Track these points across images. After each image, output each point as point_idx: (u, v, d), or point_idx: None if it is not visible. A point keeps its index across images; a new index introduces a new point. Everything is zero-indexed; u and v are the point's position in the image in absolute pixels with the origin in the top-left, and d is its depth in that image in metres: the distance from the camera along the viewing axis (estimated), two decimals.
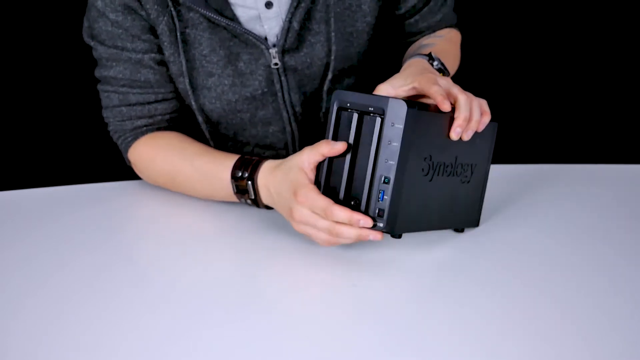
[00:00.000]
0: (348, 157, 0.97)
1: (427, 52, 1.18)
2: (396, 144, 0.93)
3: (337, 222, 0.95)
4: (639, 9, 2.13)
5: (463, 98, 0.98)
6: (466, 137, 0.99)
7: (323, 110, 1.24)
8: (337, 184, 0.98)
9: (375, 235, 0.95)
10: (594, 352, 0.85)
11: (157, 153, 1.20)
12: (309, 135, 1.26)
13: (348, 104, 0.97)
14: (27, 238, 1.13)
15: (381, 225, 0.95)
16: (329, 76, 1.20)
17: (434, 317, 0.91)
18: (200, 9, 1.11)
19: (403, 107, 0.92)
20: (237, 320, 0.92)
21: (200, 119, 1.22)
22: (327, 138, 0.98)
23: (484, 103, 1.01)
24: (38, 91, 2.00)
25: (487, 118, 1.00)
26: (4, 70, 1.97)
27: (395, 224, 0.95)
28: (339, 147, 0.96)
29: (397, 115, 0.93)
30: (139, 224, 1.19)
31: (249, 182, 1.06)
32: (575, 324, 0.89)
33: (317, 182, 0.99)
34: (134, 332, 0.90)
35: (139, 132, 1.22)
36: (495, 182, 1.19)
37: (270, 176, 1.05)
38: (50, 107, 2.00)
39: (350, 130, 0.96)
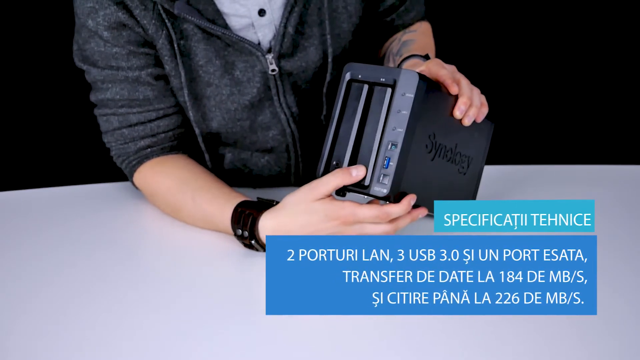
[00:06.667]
0: (355, 127, 0.99)
1: (416, 52, 1.22)
2: (405, 112, 0.96)
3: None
4: (639, 9, 2.13)
5: (466, 82, 1.04)
6: (467, 120, 1.03)
7: (324, 113, 1.23)
8: (342, 154, 0.99)
9: (422, 211, 1.01)
10: (593, 353, 0.85)
11: (161, 183, 1.17)
12: (310, 135, 1.26)
13: (359, 76, 1.00)
14: (30, 238, 1.13)
15: (384, 191, 0.96)
16: (328, 78, 1.20)
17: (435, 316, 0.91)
18: (195, 19, 1.10)
19: (415, 78, 0.96)
20: (240, 322, 0.92)
21: (197, 130, 1.20)
22: (335, 110, 1.01)
23: (483, 97, 1.06)
24: (40, 91, 2.00)
25: (485, 109, 1.05)
26: (6, 70, 1.97)
27: (398, 191, 0.96)
28: (361, 173, 0.98)
29: (408, 85, 0.96)
30: (143, 224, 1.19)
31: (252, 241, 1.04)
32: (574, 325, 0.89)
33: (320, 156, 1.01)
34: (137, 333, 0.90)
35: (143, 155, 1.19)
36: (491, 182, 1.20)
37: (285, 225, 1.01)
38: (53, 106, 2.00)
39: (359, 101, 0.99)
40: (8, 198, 1.27)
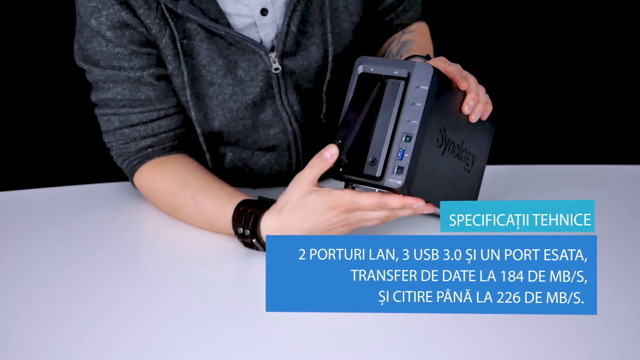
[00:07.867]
0: (367, 119, 0.99)
1: (416, 53, 1.22)
2: (420, 104, 0.96)
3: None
4: (639, 9, 2.13)
5: (473, 79, 1.05)
6: (474, 117, 1.04)
7: (324, 111, 1.24)
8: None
9: (429, 208, 1.00)
10: (593, 353, 0.85)
11: (161, 183, 1.17)
12: (311, 134, 1.26)
13: (372, 69, 1.00)
14: (30, 238, 1.13)
15: (399, 182, 0.96)
16: (328, 77, 1.20)
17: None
18: (198, 19, 1.10)
19: (430, 71, 0.96)
20: (241, 321, 0.92)
21: (199, 130, 1.19)
22: (347, 103, 1.01)
23: (487, 96, 1.07)
24: (40, 90, 2.00)
25: (490, 107, 1.06)
26: (6, 70, 1.97)
27: (412, 183, 0.96)
28: (334, 151, 0.98)
29: (423, 78, 0.96)
30: (142, 224, 1.19)
31: (254, 240, 1.04)
32: (574, 325, 0.89)
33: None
34: (138, 332, 0.90)
35: (144, 155, 1.19)
36: (492, 182, 1.20)
37: (285, 223, 1.02)
38: (53, 106, 2.00)
39: (371, 93, 0.99)
40: (8, 198, 1.27)
